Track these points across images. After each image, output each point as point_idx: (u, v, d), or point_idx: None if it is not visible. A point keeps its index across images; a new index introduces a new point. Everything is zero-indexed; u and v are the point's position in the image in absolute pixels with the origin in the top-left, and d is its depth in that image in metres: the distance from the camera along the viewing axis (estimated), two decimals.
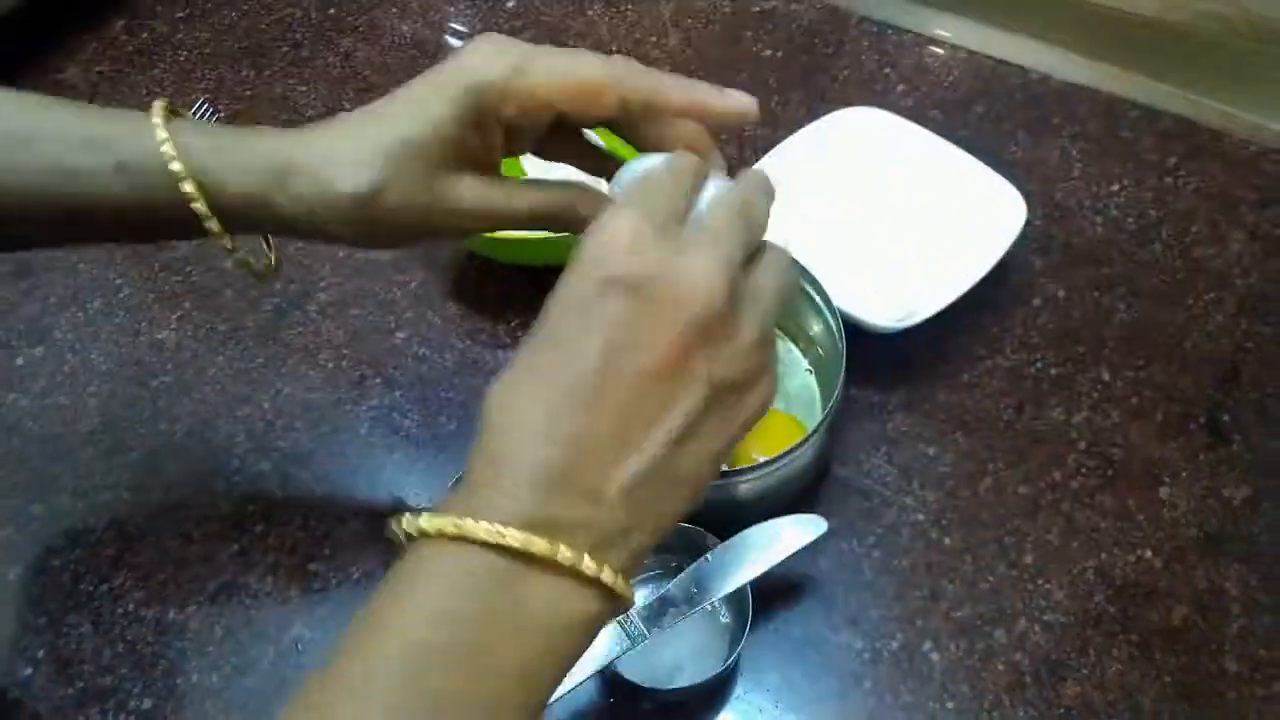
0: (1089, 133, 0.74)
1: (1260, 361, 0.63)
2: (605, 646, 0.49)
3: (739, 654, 0.51)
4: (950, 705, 0.52)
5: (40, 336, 0.68)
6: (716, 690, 0.52)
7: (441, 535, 0.30)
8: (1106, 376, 0.63)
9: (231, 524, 0.59)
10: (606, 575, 0.30)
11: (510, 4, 0.86)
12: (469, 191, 0.40)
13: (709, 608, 0.53)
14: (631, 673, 0.51)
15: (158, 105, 0.41)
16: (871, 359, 0.60)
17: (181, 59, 0.84)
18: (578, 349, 0.31)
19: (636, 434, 0.31)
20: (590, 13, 0.85)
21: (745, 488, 0.54)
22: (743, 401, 0.33)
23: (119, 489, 0.61)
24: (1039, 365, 0.63)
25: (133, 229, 0.44)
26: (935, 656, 0.53)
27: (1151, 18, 0.75)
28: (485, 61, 0.38)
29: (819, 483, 0.59)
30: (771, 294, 0.34)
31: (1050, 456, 0.60)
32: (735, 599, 0.52)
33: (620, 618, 0.50)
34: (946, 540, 0.57)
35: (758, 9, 0.84)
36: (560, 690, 0.47)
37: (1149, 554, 0.56)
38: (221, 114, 0.79)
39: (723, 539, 0.52)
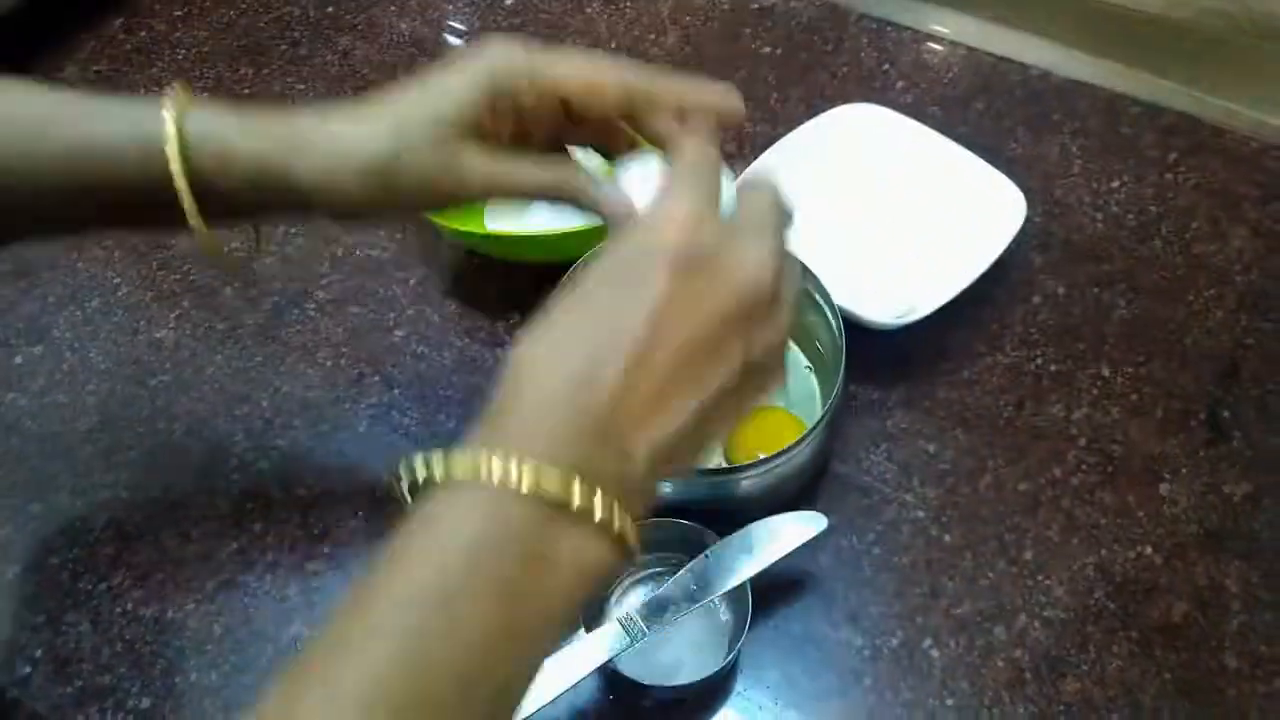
0: (1089, 129, 0.74)
1: (1261, 358, 0.63)
2: (605, 644, 0.49)
3: (739, 651, 0.51)
4: (950, 702, 0.52)
5: (39, 335, 0.68)
6: (716, 687, 0.52)
7: (473, 476, 0.30)
8: (1107, 373, 0.63)
9: (230, 522, 0.59)
10: (629, 529, 0.31)
11: (509, 2, 0.86)
12: (479, 165, 0.41)
13: (709, 605, 0.53)
14: (631, 670, 0.51)
15: (175, 87, 0.42)
16: (871, 356, 0.60)
17: (180, 57, 0.84)
18: (629, 313, 0.32)
19: (672, 400, 0.32)
20: (589, 10, 0.85)
21: (745, 484, 0.54)
22: (762, 384, 0.35)
23: (117, 488, 0.61)
24: (1039, 362, 0.63)
25: (138, 216, 0.45)
26: (935, 653, 0.53)
27: (1154, 14, 0.75)
28: (507, 51, 0.41)
29: (819, 480, 0.59)
30: (793, 289, 0.37)
31: (1050, 453, 0.60)
32: (735, 596, 0.52)
33: (621, 616, 0.50)
34: (946, 537, 0.57)
35: (756, 6, 0.84)
36: (560, 688, 0.48)
37: (1149, 550, 0.56)
38: None
39: (722, 536, 0.52)
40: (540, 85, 0.41)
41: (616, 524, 0.31)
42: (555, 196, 0.42)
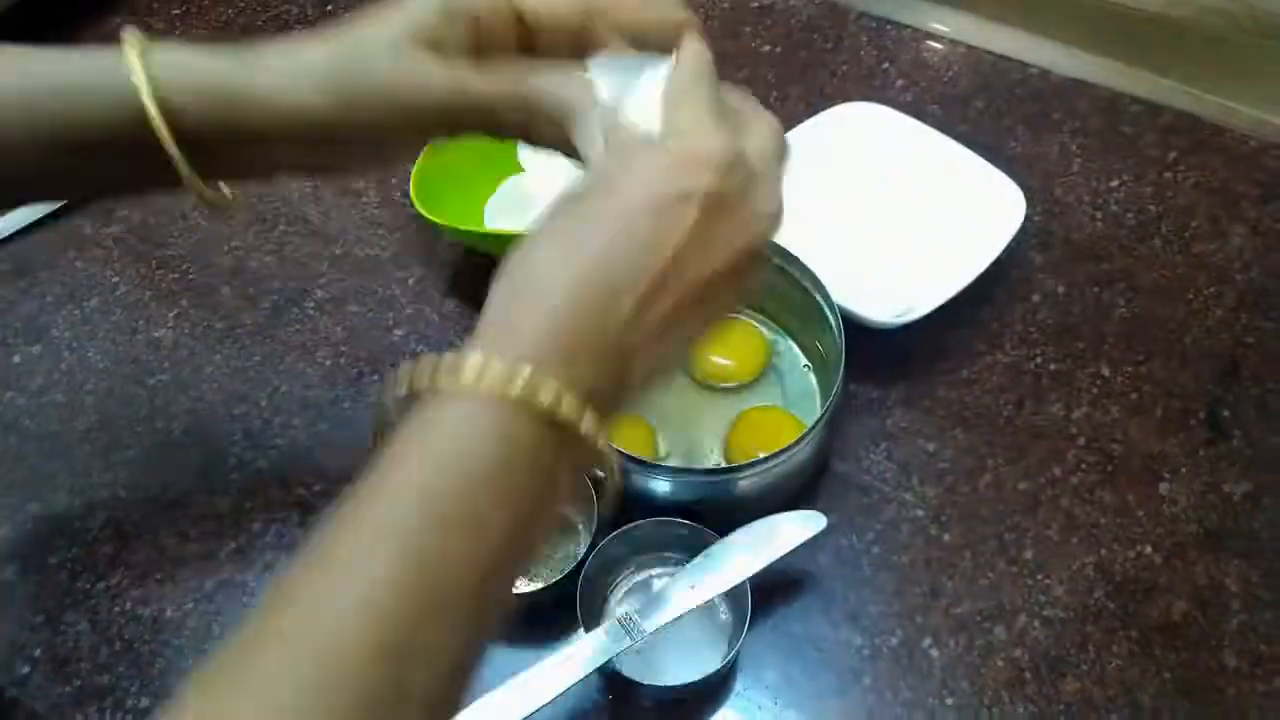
0: (1089, 128, 0.74)
1: (1260, 356, 0.63)
2: (605, 644, 0.49)
3: (738, 651, 0.51)
4: (950, 701, 0.52)
5: (37, 335, 0.68)
6: (716, 687, 0.52)
7: (481, 384, 0.30)
8: (1106, 372, 0.63)
9: (229, 522, 0.59)
10: (602, 440, 0.32)
11: None
12: (439, 72, 0.39)
13: (708, 604, 0.53)
14: (630, 670, 0.51)
15: (129, 32, 0.41)
16: (871, 355, 0.60)
17: None
18: (655, 247, 0.32)
19: (672, 333, 0.33)
20: None
21: (744, 484, 0.54)
22: (732, 305, 0.37)
23: (116, 487, 0.61)
24: (1038, 361, 0.63)
25: (114, 163, 0.43)
26: (935, 653, 0.53)
27: (1153, 12, 0.75)
28: None
29: (818, 479, 0.59)
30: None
31: (1050, 452, 0.60)
32: (734, 595, 0.52)
33: (620, 616, 0.50)
34: (946, 536, 0.57)
35: (756, 4, 0.84)
36: (559, 687, 0.48)
37: (1149, 550, 0.56)
38: None
39: (722, 535, 0.52)
40: (499, 6, 0.40)
41: (602, 442, 0.32)
42: (520, 103, 0.40)
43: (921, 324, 0.59)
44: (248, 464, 0.61)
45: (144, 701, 0.53)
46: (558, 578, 0.52)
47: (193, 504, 0.60)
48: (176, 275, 0.70)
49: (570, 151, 0.39)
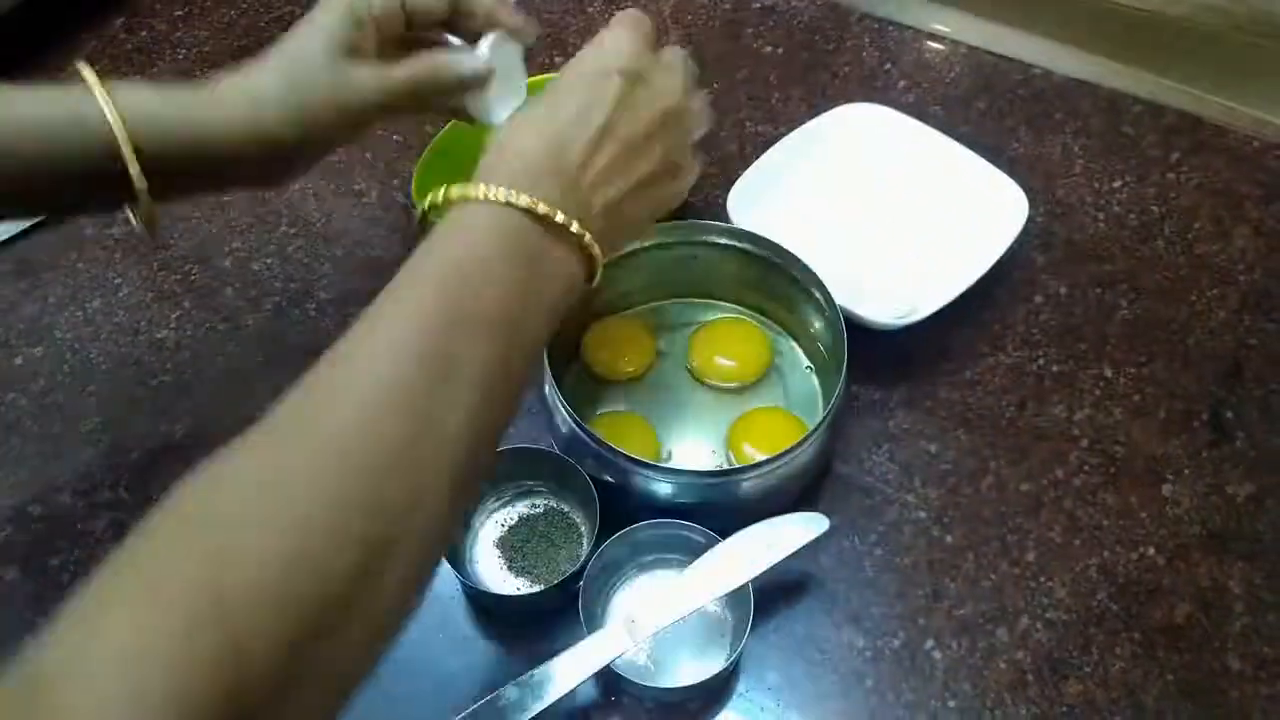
0: (1091, 128, 0.74)
1: (1264, 358, 0.63)
2: (608, 646, 0.49)
3: (740, 652, 0.51)
4: (952, 704, 0.52)
5: (40, 336, 0.68)
6: (718, 689, 0.52)
7: (467, 199, 0.40)
8: (1109, 373, 0.63)
9: None
10: (589, 240, 0.42)
11: (510, 1, 0.86)
12: (366, 75, 0.49)
13: (710, 606, 0.53)
14: (633, 672, 0.51)
15: (82, 66, 0.46)
16: (873, 356, 0.60)
17: (180, 57, 0.84)
18: (594, 107, 0.43)
19: (616, 172, 0.44)
20: (590, 10, 0.85)
21: (747, 486, 0.54)
22: (676, 181, 0.48)
23: (119, 489, 0.61)
24: (1041, 362, 0.63)
25: (75, 192, 0.49)
26: (937, 654, 0.53)
27: (1154, 12, 0.75)
28: None
29: (820, 480, 0.59)
30: (700, 125, 0.49)
31: (1052, 454, 0.60)
32: (737, 597, 0.52)
33: (623, 617, 0.50)
34: (948, 538, 0.57)
35: (758, 5, 0.84)
36: (562, 689, 0.48)
37: (1152, 551, 0.56)
38: None
39: (724, 537, 0.52)
40: (390, 5, 0.50)
41: (586, 238, 0.41)
42: (433, 81, 0.51)
43: (924, 325, 0.59)
44: None
45: None
46: (560, 579, 0.52)
47: None
48: (179, 276, 0.70)
49: (462, 112, 0.54)
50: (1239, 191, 0.70)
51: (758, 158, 0.68)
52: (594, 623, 0.51)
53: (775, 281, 0.61)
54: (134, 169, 0.46)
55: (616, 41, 0.45)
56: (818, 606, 0.55)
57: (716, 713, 0.52)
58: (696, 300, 0.66)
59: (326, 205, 0.73)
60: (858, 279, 0.62)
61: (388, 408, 0.35)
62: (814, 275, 0.58)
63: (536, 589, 0.54)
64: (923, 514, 0.58)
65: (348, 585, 0.31)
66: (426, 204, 0.42)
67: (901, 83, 0.78)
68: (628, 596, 0.55)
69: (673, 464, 0.58)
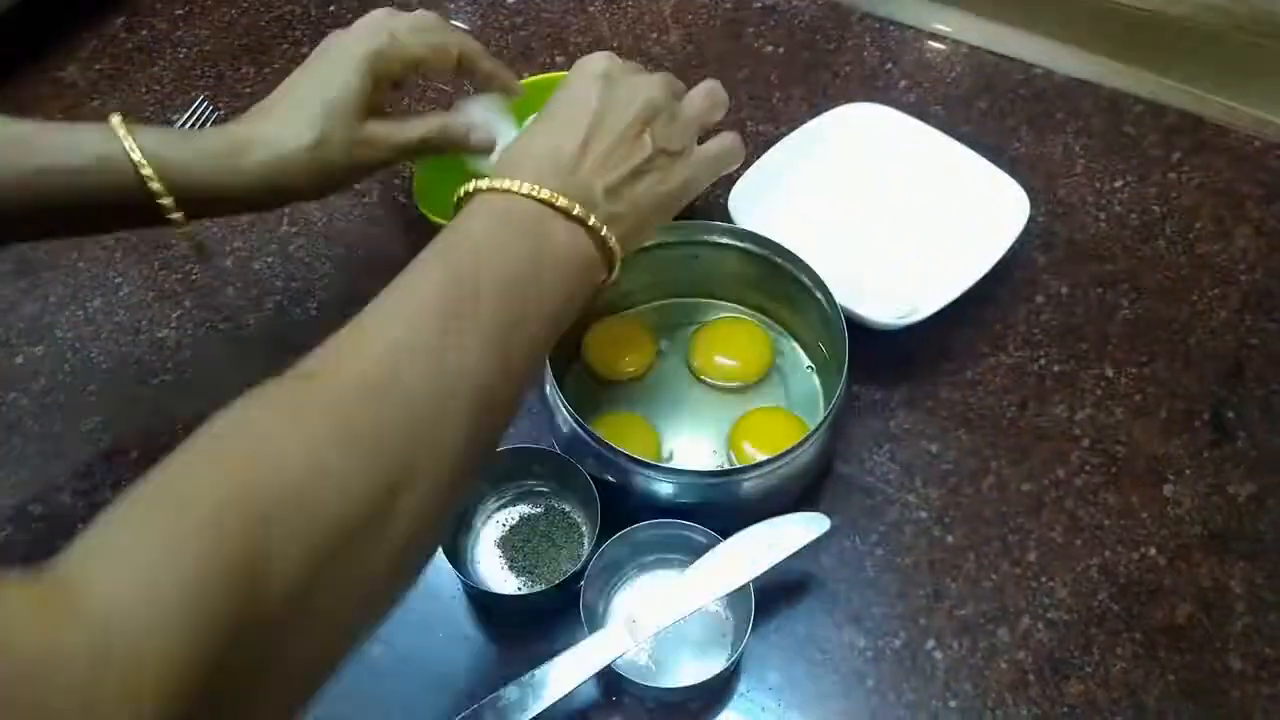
0: (1092, 128, 0.74)
1: (1265, 357, 0.63)
2: (608, 646, 0.49)
3: (741, 652, 0.50)
4: (953, 704, 0.52)
5: (40, 335, 0.68)
6: (719, 689, 0.52)
7: (491, 190, 0.45)
8: (1110, 373, 0.63)
9: None
10: (605, 230, 0.46)
11: (511, 1, 0.86)
12: (378, 131, 0.54)
13: (711, 606, 0.53)
14: (634, 672, 0.51)
15: (115, 117, 0.50)
16: (874, 356, 0.60)
17: (181, 56, 0.84)
18: (578, 114, 0.48)
19: (611, 163, 0.47)
20: (591, 9, 0.85)
21: (748, 486, 0.54)
22: (673, 168, 0.50)
23: (120, 488, 0.60)
24: (1042, 362, 0.63)
25: (102, 220, 0.54)
26: (938, 655, 0.53)
27: (1155, 12, 0.75)
28: (370, 34, 0.54)
29: (821, 481, 0.59)
30: (693, 116, 0.52)
31: (1053, 454, 0.60)
32: (738, 597, 0.52)
33: (624, 617, 0.50)
34: (949, 538, 0.57)
35: (759, 4, 0.84)
36: (563, 689, 0.48)
37: (1153, 551, 0.56)
38: (222, 111, 0.79)
39: (725, 537, 0.52)
40: (404, 57, 0.55)
41: (592, 220, 0.45)
42: (442, 141, 0.57)
43: (925, 325, 0.59)
44: None
45: None
46: (561, 579, 0.52)
47: None
48: (179, 276, 0.70)
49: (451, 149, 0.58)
50: (1240, 191, 0.70)
51: (759, 157, 0.68)
52: (595, 623, 0.51)
53: (776, 281, 0.61)
54: (175, 215, 0.51)
55: (588, 60, 0.51)
56: (819, 606, 0.55)
57: (717, 713, 0.52)
58: (698, 300, 0.66)
59: (328, 205, 0.73)
60: (859, 279, 0.62)
61: (407, 356, 0.38)
62: (815, 275, 0.58)
63: (537, 589, 0.54)
64: (924, 514, 0.58)
65: (367, 506, 0.34)
66: (454, 201, 0.46)
67: (903, 82, 0.78)
68: (629, 596, 0.55)
69: (674, 464, 0.58)
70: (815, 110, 0.71)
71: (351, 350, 0.39)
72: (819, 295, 0.58)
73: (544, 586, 0.53)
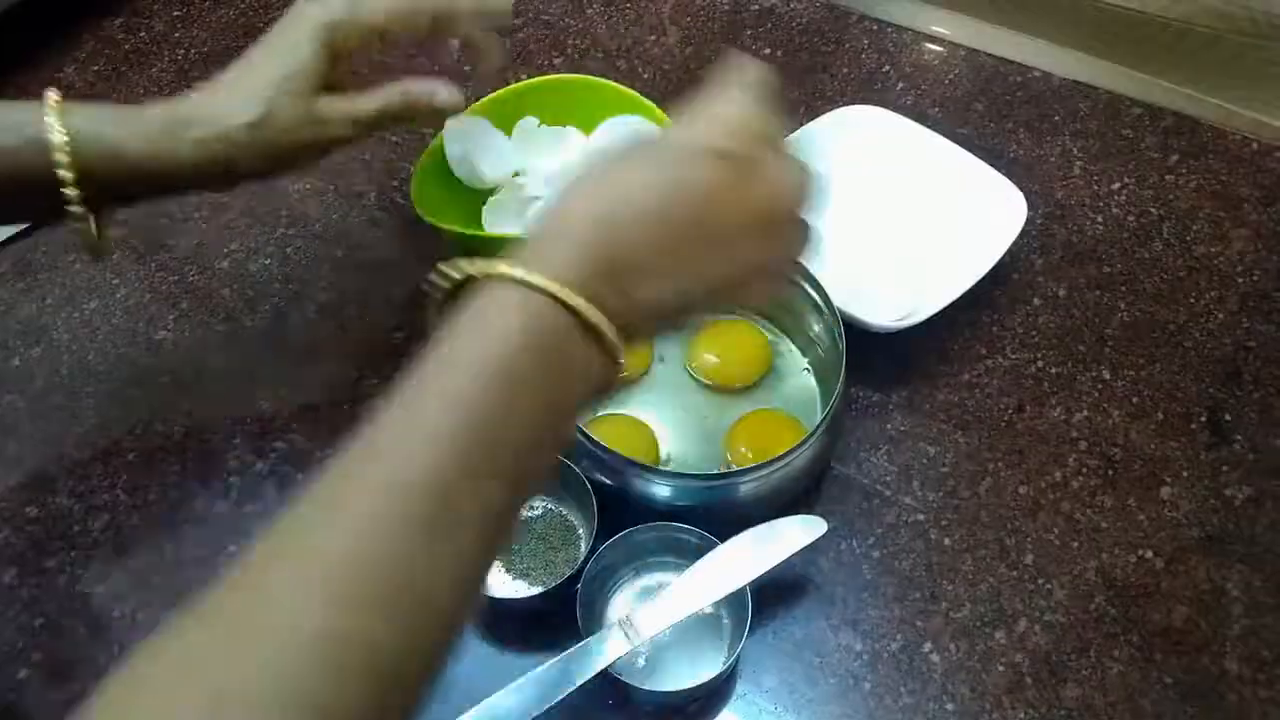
0: (1090, 130, 0.74)
1: (1262, 360, 0.63)
2: (605, 649, 0.49)
3: (738, 655, 0.50)
4: (950, 707, 0.52)
5: (37, 337, 0.68)
6: (716, 692, 0.52)
7: (507, 279, 0.34)
8: (1107, 376, 0.63)
9: (229, 526, 0.59)
10: (615, 343, 0.35)
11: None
12: (333, 105, 0.50)
13: (708, 609, 0.52)
14: (631, 675, 0.50)
15: (51, 92, 0.48)
16: (871, 358, 0.60)
17: (179, 58, 0.84)
18: (663, 190, 0.36)
19: (674, 272, 0.36)
20: (589, 11, 0.85)
21: (745, 488, 0.54)
22: (751, 287, 0.39)
23: (116, 490, 0.61)
24: (1039, 364, 0.63)
25: (18, 207, 0.52)
26: (935, 658, 0.53)
27: (1153, 14, 0.75)
28: (326, 5, 0.50)
29: (819, 483, 0.59)
30: (814, 232, 0.40)
31: (1051, 456, 0.59)
32: (734, 600, 0.52)
33: (620, 620, 0.50)
34: (946, 540, 0.57)
35: (756, 7, 0.84)
36: (560, 693, 0.48)
37: (1150, 554, 0.56)
38: None
39: (722, 540, 0.52)
40: (362, 26, 0.50)
41: (610, 338, 0.35)
42: (405, 112, 0.52)
43: (922, 328, 0.59)
44: (248, 468, 0.61)
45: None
46: (558, 583, 0.52)
47: (192, 508, 0.60)
48: (177, 278, 0.70)
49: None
50: (1237, 193, 0.70)
51: None
52: (592, 625, 0.51)
53: None
54: (76, 204, 0.47)
55: (734, 123, 0.38)
56: (816, 609, 0.55)
57: (714, 716, 0.52)
58: None
59: (326, 206, 0.73)
60: (856, 281, 0.62)
61: (385, 546, 0.31)
62: (813, 277, 0.58)
63: (534, 592, 0.54)
64: (921, 516, 0.58)
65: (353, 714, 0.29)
66: (454, 274, 0.36)
67: (900, 85, 0.78)
68: (626, 599, 0.55)
69: (670, 467, 0.58)
70: (813, 113, 0.71)
71: (324, 525, 0.32)
72: (816, 298, 0.58)
73: (541, 589, 0.53)
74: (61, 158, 0.46)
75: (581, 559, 0.53)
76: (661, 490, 0.54)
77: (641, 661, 0.52)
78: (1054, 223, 0.69)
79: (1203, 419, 0.60)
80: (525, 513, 0.57)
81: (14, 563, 0.58)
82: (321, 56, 0.50)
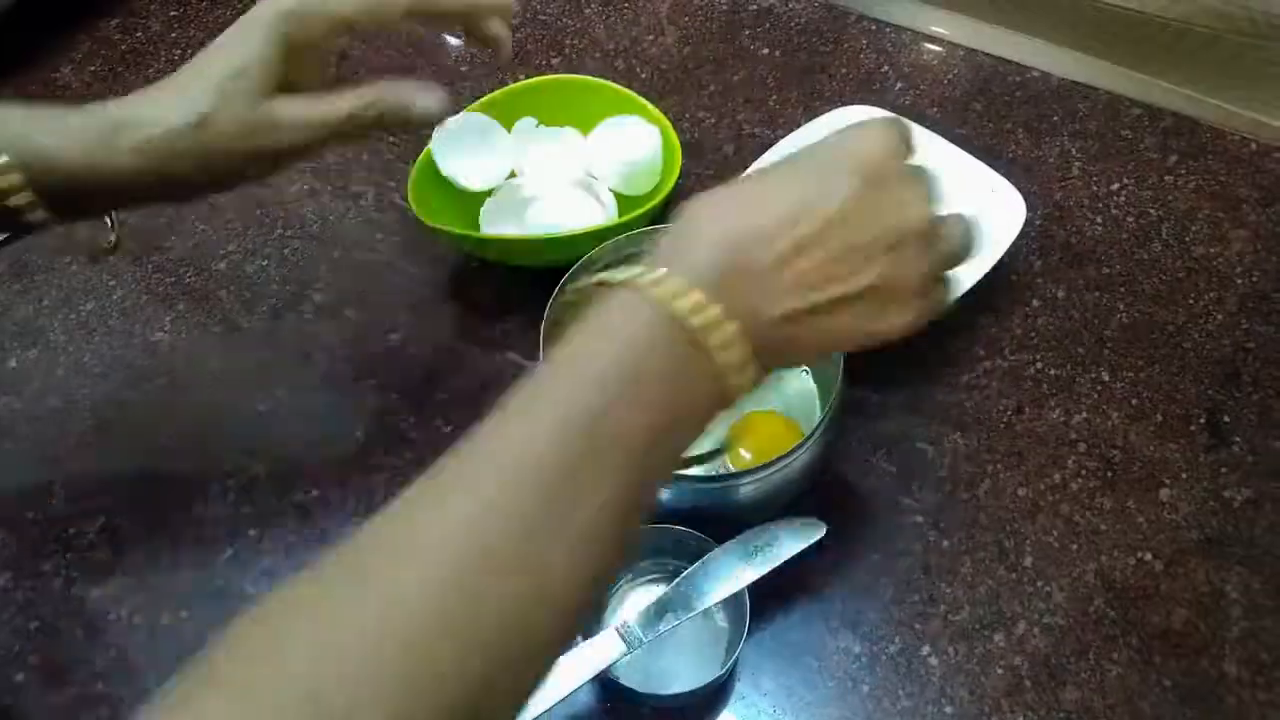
0: (1089, 131, 0.74)
1: (1261, 361, 0.62)
2: (602, 652, 0.49)
3: (736, 658, 0.50)
4: (949, 710, 0.52)
5: (33, 338, 0.67)
6: (714, 695, 0.52)
7: (634, 286, 0.34)
8: (1106, 377, 0.62)
9: (226, 528, 0.59)
10: (749, 372, 0.35)
11: None
12: (288, 108, 0.45)
13: (706, 612, 0.52)
14: (628, 679, 0.50)
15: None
16: (869, 360, 0.59)
17: (176, 58, 0.83)
18: (812, 206, 0.36)
19: (813, 285, 0.36)
20: (587, 11, 0.84)
21: (744, 490, 0.53)
22: (890, 307, 0.38)
23: (112, 493, 0.61)
24: (1038, 366, 0.63)
25: None
26: (934, 660, 0.53)
27: (1152, 14, 0.75)
28: None
29: (817, 485, 0.59)
30: (949, 252, 0.40)
31: (1049, 458, 0.59)
32: (733, 603, 0.52)
33: (618, 624, 0.50)
34: (945, 542, 0.57)
35: (755, 7, 0.84)
36: (557, 696, 0.47)
37: (1149, 556, 0.56)
38: None
39: (720, 542, 0.52)
40: (325, 16, 0.45)
41: (739, 355, 0.35)
42: (376, 115, 0.46)
43: (921, 329, 0.59)
44: (244, 469, 0.61)
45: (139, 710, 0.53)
46: None
47: (189, 510, 0.60)
48: (173, 279, 0.70)
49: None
50: (1237, 194, 0.70)
51: (755, 160, 0.67)
52: (588, 629, 0.51)
53: None
54: (29, 215, 0.44)
55: (865, 143, 0.38)
56: (814, 612, 0.55)
57: (712, 719, 0.52)
58: None
59: (323, 207, 0.73)
60: None
61: (495, 558, 0.30)
62: None
63: None
64: (919, 518, 0.58)
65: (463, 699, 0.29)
66: (587, 282, 0.37)
67: (898, 85, 0.78)
68: (623, 603, 0.55)
69: None
70: (811, 113, 0.71)
71: (430, 528, 0.31)
72: None
73: None
74: (15, 175, 0.43)
75: None
76: (659, 493, 0.53)
77: (639, 665, 0.52)
78: (1053, 224, 0.69)
79: (1202, 421, 0.60)
80: None
81: (9, 566, 0.58)
82: (276, 51, 0.45)
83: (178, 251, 0.71)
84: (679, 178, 0.67)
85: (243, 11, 0.85)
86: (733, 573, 0.51)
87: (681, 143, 0.69)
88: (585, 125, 0.70)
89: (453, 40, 0.84)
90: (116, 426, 0.63)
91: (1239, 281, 0.66)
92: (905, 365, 0.63)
